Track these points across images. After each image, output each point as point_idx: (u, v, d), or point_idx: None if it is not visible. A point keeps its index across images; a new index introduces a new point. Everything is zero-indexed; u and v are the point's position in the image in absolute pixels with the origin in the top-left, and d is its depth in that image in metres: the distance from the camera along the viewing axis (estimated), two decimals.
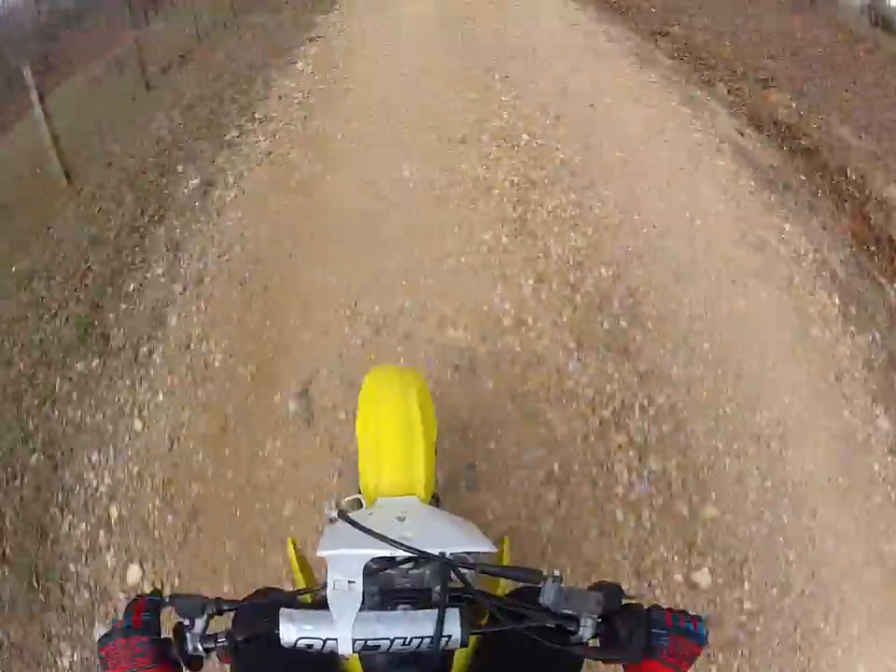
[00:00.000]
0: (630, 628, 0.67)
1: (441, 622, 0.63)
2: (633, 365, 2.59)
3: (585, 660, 0.72)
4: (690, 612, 0.70)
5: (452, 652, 0.71)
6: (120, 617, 0.68)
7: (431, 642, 0.63)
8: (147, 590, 0.80)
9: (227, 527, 2.11)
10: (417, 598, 0.70)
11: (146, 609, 0.68)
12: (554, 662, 0.76)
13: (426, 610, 0.66)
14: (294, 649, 0.65)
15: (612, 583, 0.71)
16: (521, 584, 0.79)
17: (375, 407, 1.13)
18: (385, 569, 0.71)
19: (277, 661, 0.72)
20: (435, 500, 1.10)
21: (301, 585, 0.99)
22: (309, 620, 0.65)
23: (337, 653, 0.64)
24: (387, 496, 0.97)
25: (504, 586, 0.92)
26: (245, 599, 0.79)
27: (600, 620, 0.68)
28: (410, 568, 0.72)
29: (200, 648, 0.67)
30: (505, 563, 1.01)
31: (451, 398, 2.42)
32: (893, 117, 4.66)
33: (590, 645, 0.69)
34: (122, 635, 0.65)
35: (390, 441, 1.05)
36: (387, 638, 0.64)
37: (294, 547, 1.12)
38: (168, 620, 0.69)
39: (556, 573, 0.68)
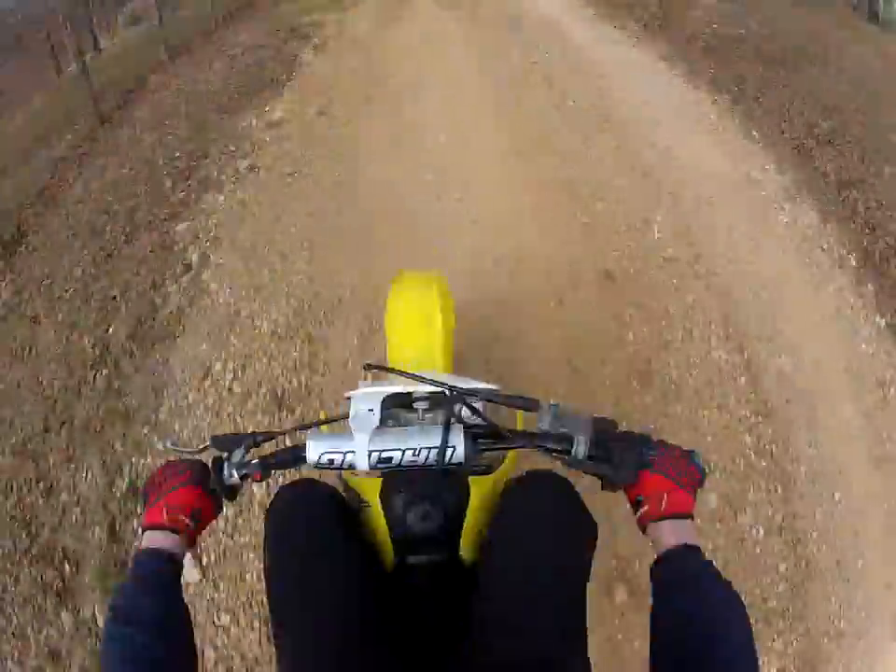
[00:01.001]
0: (622, 448, 0.73)
1: (446, 429, 0.71)
2: None
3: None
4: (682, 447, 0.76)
5: (466, 482, 0.79)
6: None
7: (438, 452, 0.71)
8: None
9: None
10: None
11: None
12: (570, 518, 0.78)
13: (435, 425, 0.74)
14: (317, 467, 0.73)
15: (606, 417, 0.76)
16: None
17: (401, 306, 1.24)
18: (403, 403, 0.80)
19: (303, 497, 0.79)
20: None
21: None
22: (332, 438, 0.74)
23: (355, 469, 0.72)
24: None
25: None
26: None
27: (594, 441, 0.71)
28: (425, 410, 0.80)
29: (236, 475, 0.75)
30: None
31: None
32: None
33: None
34: (163, 465, 0.77)
35: (414, 333, 1.16)
36: (399, 449, 0.72)
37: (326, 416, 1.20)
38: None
39: (552, 402, 0.73)
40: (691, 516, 0.73)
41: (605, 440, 0.73)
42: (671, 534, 0.71)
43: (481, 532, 0.81)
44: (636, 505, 0.74)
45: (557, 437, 0.72)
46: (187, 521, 0.73)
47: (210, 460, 0.76)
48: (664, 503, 0.72)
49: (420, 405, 0.80)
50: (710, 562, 0.70)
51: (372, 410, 0.76)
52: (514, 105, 4.02)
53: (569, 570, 0.77)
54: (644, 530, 0.75)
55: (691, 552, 0.70)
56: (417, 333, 1.15)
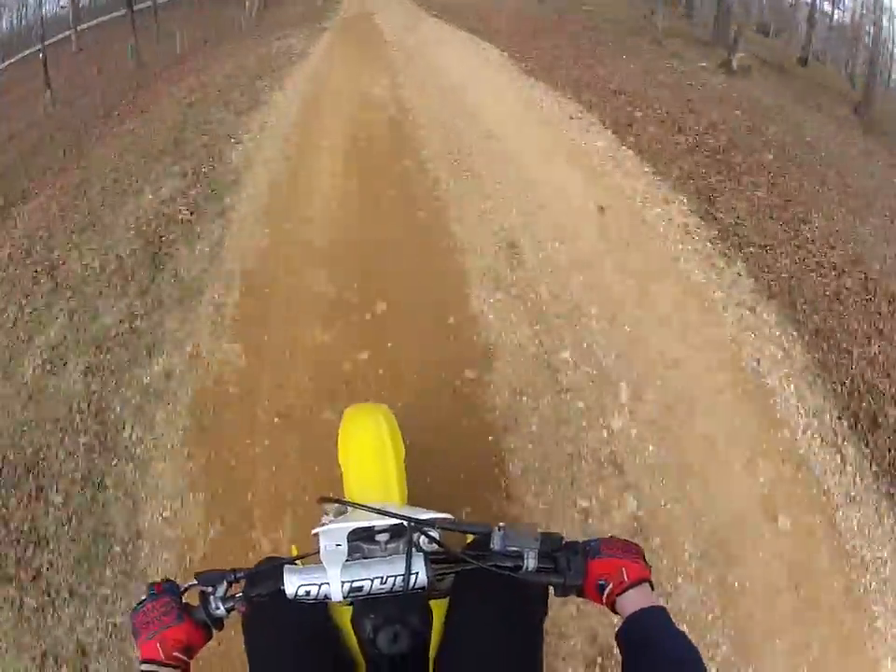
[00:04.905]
0: (569, 557, 0.82)
1: (409, 557, 0.79)
2: None
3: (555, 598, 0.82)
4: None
5: (428, 605, 0.90)
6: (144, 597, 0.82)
7: (403, 579, 0.78)
8: None
9: None
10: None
11: (164, 585, 0.85)
12: (521, 600, 0.90)
13: (399, 555, 0.82)
14: (295, 599, 0.80)
15: (551, 532, 0.85)
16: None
17: (352, 440, 1.31)
18: (366, 536, 0.86)
19: (282, 615, 0.90)
20: None
21: None
22: (306, 571, 0.81)
23: (330, 599, 0.80)
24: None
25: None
26: (254, 567, 0.88)
27: (542, 554, 0.81)
28: (386, 542, 0.86)
29: (221, 607, 0.82)
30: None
31: None
32: None
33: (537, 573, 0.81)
34: (149, 600, 0.82)
35: (366, 465, 1.24)
36: (368, 578, 0.79)
37: (297, 551, 1.33)
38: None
39: (502, 524, 0.82)
40: (649, 581, 0.81)
41: (551, 551, 0.82)
42: (636, 601, 0.79)
43: None
44: (599, 590, 0.82)
45: (508, 555, 0.81)
46: (182, 657, 0.81)
47: (198, 597, 0.84)
48: (625, 575, 0.80)
49: (382, 537, 0.87)
50: (669, 617, 0.78)
51: (340, 545, 0.84)
52: None
53: (523, 654, 0.89)
54: (614, 608, 0.81)
55: (652, 611, 0.78)
56: (371, 467, 1.22)
